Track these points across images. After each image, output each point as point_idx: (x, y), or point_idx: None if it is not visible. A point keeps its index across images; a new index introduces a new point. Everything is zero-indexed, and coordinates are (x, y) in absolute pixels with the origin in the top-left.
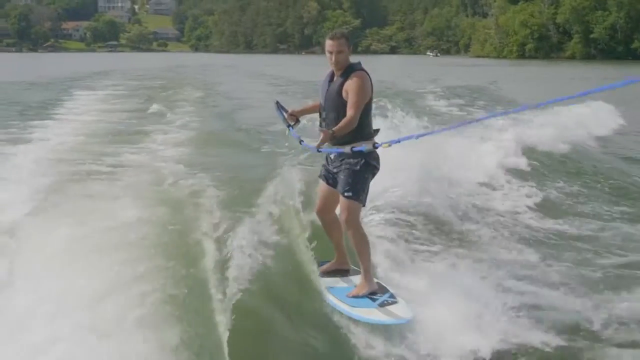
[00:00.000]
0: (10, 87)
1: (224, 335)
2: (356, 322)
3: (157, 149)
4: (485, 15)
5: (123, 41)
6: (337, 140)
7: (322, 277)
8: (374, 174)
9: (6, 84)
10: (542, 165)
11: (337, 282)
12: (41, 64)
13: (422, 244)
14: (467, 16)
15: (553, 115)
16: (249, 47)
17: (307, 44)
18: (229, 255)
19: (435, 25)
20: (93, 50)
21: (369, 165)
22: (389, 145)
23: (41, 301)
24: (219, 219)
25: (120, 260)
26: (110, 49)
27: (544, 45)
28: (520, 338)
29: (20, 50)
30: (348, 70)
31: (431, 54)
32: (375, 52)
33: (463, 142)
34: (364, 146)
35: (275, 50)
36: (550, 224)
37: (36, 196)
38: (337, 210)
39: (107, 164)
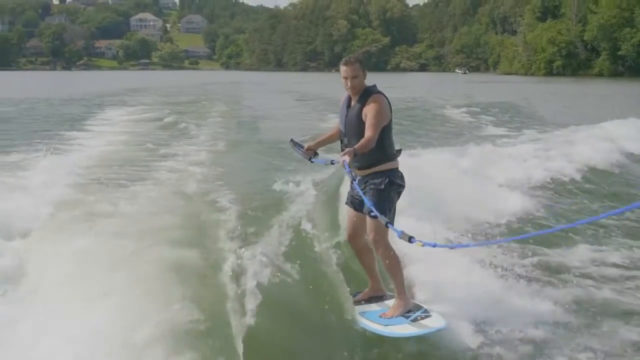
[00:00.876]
0: (45, 102)
1: (243, 349)
2: (389, 341)
3: (181, 162)
4: (514, 33)
5: (155, 59)
6: (361, 163)
7: (357, 305)
8: (399, 193)
9: (42, 100)
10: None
11: (371, 307)
12: (75, 81)
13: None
14: (496, 34)
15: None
16: (279, 65)
17: (337, 62)
18: (248, 270)
19: (465, 42)
20: (125, 69)
21: (393, 184)
22: (422, 245)
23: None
24: (238, 233)
25: (137, 271)
26: (142, 67)
27: (572, 63)
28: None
29: (54, 69)
30: (365, 94)
31: (460, 71)
32: (404, 70)
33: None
34: (400, 231)
35: (305, 68)
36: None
37: (53, 206)
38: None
39: (129, 175)
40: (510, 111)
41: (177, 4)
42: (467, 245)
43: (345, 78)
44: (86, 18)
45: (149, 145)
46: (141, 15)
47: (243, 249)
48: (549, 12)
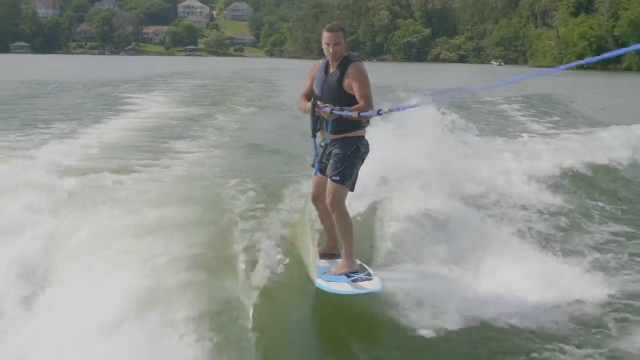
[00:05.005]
0: (95, 82)
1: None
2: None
3: (202, 149)
4: (552, 27)
5: (201, 45)
6: (335, 128)
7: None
8: (363, 160)
9: (88, 81)
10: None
11: (322, 263)
12: (123, 65)
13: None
14: (536, 27)
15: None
16: (322, 54)
17: (378, 52)
18: (254, 255)
19: (504, 35)
20: (171, 54)
21: (358, 151)
22: (389, 110)
23: (76, 299)
24: (246, 223)
25: (147, 257)
26: (188, 53)
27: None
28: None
29: (103, 53)
30: (345, 61)
31: (495, 63)
32: (444, 61)
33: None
34: (371, 111)
35: (356, 56)
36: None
37: (71, 186)
38: None
39: (146, 160)
40: (544, 104)
41: None
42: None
43: (328, 44)
44: (135, 4)
45: (172, 130)
46: (188, 2)
47: (249, 240)
48: (583, 7)
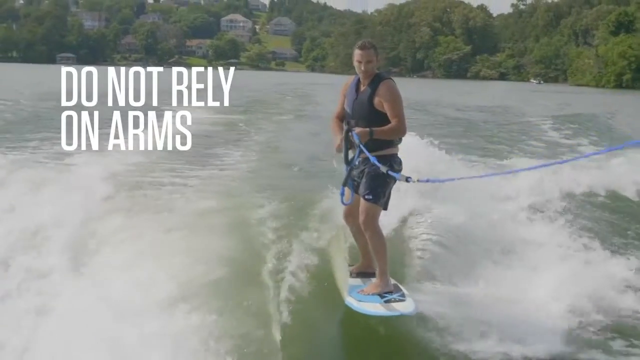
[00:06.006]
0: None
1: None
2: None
3: (238, 158)
4: (593, 46)
5: (243, 59)
6: (367, 147)
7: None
8: (396, 179)
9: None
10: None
11: (355, 282)
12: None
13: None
14: (577, 46)
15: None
16: None
17: (419, 68)
18: (283, 266)
19: (544, 53)
20: (214, 67)
21: (392, 169)
22: (417, 181)
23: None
24: (275, 236)
25: (177, 266)
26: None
27: None
28: None
29: (147, 65)
30: (376, 79)
31: (535, 81)
32: (484, 78)
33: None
34: (399, 174)
35: (387, 73)
36: None
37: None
38: None
39: (175, 173)
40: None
41: (267, 6)
42: (453, 179)
43: (359, 62)
44: (179, 17)
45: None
46: (231, 16)
47: (277, 251)
48: (623, 27)
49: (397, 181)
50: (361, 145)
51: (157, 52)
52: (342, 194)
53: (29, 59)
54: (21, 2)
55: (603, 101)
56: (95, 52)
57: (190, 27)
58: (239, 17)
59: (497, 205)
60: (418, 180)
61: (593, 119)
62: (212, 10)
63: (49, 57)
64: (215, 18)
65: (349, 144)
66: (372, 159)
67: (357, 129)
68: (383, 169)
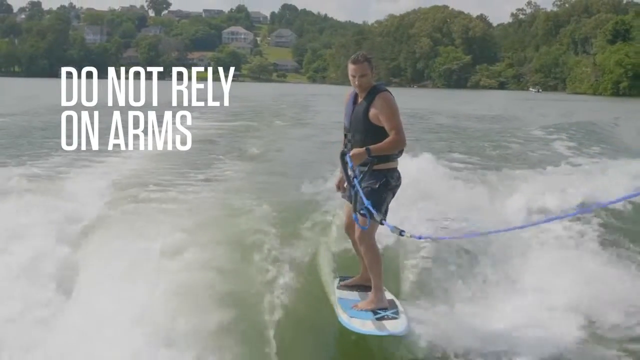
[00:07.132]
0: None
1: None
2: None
3: (234, 167)
4: (591, 54)
5: (244, 71)
6: (364, 161)
7: (340, 289)
8: (394, 193)
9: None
10: None
11: (351, 295)
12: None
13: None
14: (576, 54)
15: None
16: None
17: (419, 78)
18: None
19: (544, 62)
20: (215, 79)
21: (388, 184)
22: (410, 237)
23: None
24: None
25: (172, 272)
26: (232, 79)
27: (638, 84)
28: None
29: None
30: (372, 92)
31: (533, 90)
32: (484, 87)
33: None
34: (392, 226)
35: (388, 84)
36: None
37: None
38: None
39: (174, 180)
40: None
41: (268, 18)
42: (450, 238)
43: (353, 76)
44: (180, 30)
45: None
46: (233, 28)
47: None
48: (620, 35)
49: (394, 196)
50: (356, 171)
51: (159, 64)
52: (356, 220)
53: (32, 73)
54: (23, 16)
55: (600, 107)
56: (98, 65)
57: (191, 39)
58: (240, 29)
59: (494, 219)
60: (411, 236)
61: (591, 126)
62: (213, 22)
63: (51, 71)
64: (216, 30)
65: (346, 166)
66: (361, 193)
67: (352, 151)
68: (377, 217)
